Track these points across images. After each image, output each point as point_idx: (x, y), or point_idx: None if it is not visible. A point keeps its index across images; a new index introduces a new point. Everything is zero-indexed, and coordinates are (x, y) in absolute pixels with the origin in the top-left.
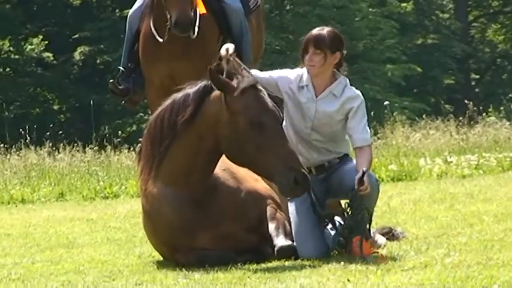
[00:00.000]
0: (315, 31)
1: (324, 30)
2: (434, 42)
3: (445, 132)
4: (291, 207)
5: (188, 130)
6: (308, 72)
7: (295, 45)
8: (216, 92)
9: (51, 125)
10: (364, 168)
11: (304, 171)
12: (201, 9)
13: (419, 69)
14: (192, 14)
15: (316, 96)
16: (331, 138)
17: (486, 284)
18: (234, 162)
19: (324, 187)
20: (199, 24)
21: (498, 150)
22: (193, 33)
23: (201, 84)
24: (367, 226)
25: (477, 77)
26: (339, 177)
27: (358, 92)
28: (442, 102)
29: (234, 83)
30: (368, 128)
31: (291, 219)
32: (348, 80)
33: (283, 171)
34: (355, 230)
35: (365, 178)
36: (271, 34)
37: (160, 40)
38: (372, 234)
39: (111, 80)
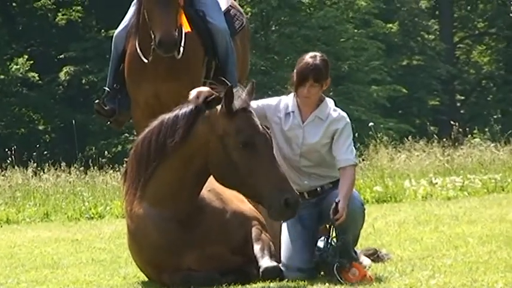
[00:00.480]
0: (311, 62)
1: (317, 59)
2: (420, 64)
3: (430, 153)
4: (284, 225)
5: (178, 151)
6: (297, 101)
7: (281, 65)
8: (207, 113)
9: (37, 145)
10: (337, 199)
11: (295, 193)
12: (186, 27)
13: (404, 90)
14: (177, 34)
15: (303, 122)
16: (319, 163)
17: None
18: (222, 185)
19: (316, 211)
20: (184, 44)
21: (483, 171)
22: (178, 53)
23: (191, 105)
24: (351, 250)
25: (462, 98)
26: (330, 202)
27: (343, 113)
28: (428, 123)
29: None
30: (353, 149)
31: (282, 237)
32: (332, 101)
33: (274, 193)
34: (338, 254)
35: (340, 207)
36: (257, 55)
37: (146, 60)
38: (357, 256)
39: (96, 101)
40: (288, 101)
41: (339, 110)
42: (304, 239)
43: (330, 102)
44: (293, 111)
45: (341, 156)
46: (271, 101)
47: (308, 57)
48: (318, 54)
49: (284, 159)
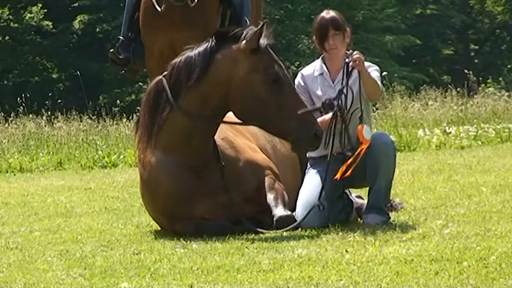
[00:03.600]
0: (325, 15)
1: (330, 12)
2: (433, 13)
3: (444, 103)
4: (309, 175)
5: (193, 92)
6: (325, 62)
7: (295, 14)
8: (224, 52)
9: (50, 94)
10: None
11: (319, 126)
12: None
13: (418, 41)
14: None
15: (333, 82)
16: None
17: (484, 255)
18: (244, 121)
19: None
20: None
21: (497, 121)
22: (192, 1)
23: (206, 45)
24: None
25: (476, 47)
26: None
27: (370, 63)
28: (441, 72)
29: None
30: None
31: (303, 186)
32: None
33: (303, 126)
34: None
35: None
36: (271, 4)
37: (159, 9)
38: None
39: (111, 50)
40: (313, 66)
41: (366, 62)
42: (325, 196)
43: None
44: (321, 74)
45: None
46: (297, 79)
47: (321, 14)
48: (329, 10)
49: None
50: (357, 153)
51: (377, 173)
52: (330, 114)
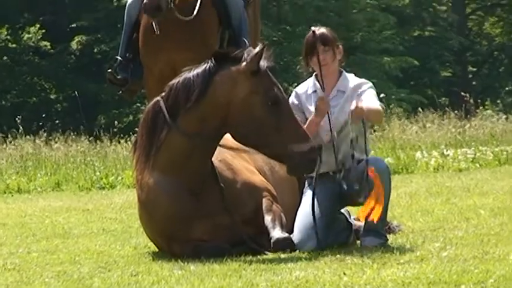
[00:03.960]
0: (314, 30)
1: (319, 28)
2: (432, 35)
3: (442, 125)
4: (304, 199)
5: (191, 114)
6: (317, 75)
7: (293, 36)
8: (224, 74)
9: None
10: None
11: (317, 149)
12: None
13: (416, 62)
14: None
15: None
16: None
17: (482, 278)
18: (242, 143)
19: (337, 189)
20: (199, 12)
21: (495, 143)
22: (188, 15)
23: (204, 66)
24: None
25: (474, 69)
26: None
27: (364, 79)
28: (439, 95)
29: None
30: (375, 96)
31: (300, 210)
32: (352, 75)
33: (302, 150)
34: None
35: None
36: (269, 25)
37: (157, 32)
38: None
39: (109, 70)
40: (306, 84)
41: (356, 78)
42: (322, 216)
43: (349, 75)
44: (315, 91)
45: (365, 102)
46: (291, 97)
47: (314, 30)
48: (319, 27)
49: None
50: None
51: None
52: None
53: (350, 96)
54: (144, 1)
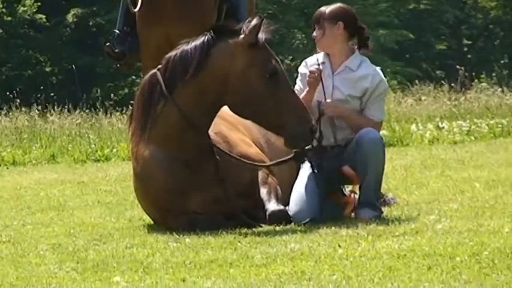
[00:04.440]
0: (320, 9)
1: (329, 6)
2: (427, 8)
3: (437, 98)
4: (302, 173)
5: (188, 87)
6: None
7: (288, 9)
8: (221, 46)
9: (40, 88)
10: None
11: (314, 123)
12: None
13: (411, 35)
14: None
15: (333, 72)
16: None
17: (477, 251)
18: (240, 115)
19: (336, 164)
20: None
21: (489, 116)
22: None
23: (202, 39)
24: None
25: (469, 43)
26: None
27: (377, 70)
28: (434, 68)
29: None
30: (383, 108)
31: (296, 185)
32: (367, 59)
33: (299, 121)
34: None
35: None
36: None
37: (134, 10)
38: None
39: (106, 43)
40: (315, 56)
41: (372, 66)
42: (318, 191)
43: (363, 57)
44: (323, 62)
45: (366, 112)
46: (300, 68)
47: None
48: (337, 4)
49: (313, 109)
50: (351, 192)
51: (366, 170)
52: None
53: (357, 83)
54: None
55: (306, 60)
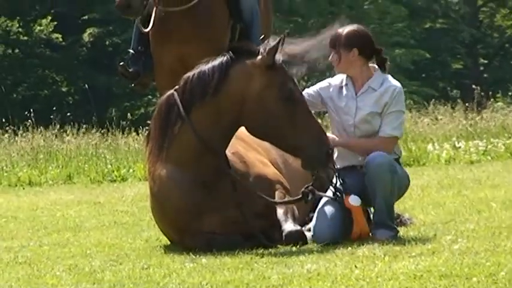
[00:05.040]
0: (337, 31)
1: (345, 29)
2: (443, 27)
3: (453, 117)
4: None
5: (206, 108)
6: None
7: (304, 28)
8: (239, 68)
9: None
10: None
11: (332, 146)
12: None
13: (427, 55)
14: None
15: (356, 94)
16: (372, 134)
17: (493, 271)
18: (259, 137)
19: (361, 183)
20: (208, 5)
21: (506, 135)
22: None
23: (221, 59)
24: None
25: (485, 62)
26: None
27: (396, 83)
28: (450, 87)
29: (276, 57)
30: (398, 122)
31: (321, 202)
32: (388, 76)
33: (316, 144)
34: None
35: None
36: (280, 18)
37: (144, 30)
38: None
39: (121, 63)
40: (340, 76)
41: (392, 80)
42: (342, 213)
43: (385, 75)
44: (346, 84)
45: (383, 127)
46: (322, 83)
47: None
48: (352, 25)
49: (339, 132)
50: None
51: (375, 194)
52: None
53: (378, 100)
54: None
55: (330, 80)
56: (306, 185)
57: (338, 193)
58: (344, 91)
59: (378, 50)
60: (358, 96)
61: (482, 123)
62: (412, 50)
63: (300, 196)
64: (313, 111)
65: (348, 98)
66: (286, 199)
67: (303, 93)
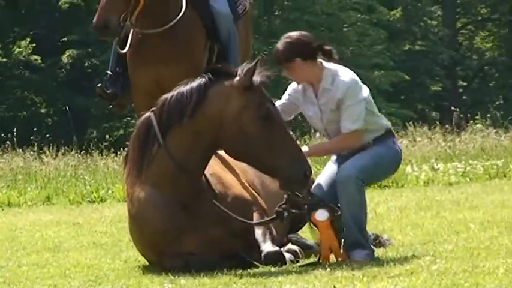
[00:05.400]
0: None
1: (280, 43)
2: (422, 49)
3: (432, 139)
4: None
5: (184, 129)
6: None
7: None
8: (217, 89)
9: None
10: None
11: (309, 166)
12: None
13: (406, 77)
14: (116, 18)
15: (316, 97)
16: None
17: None
18: (235, 158)
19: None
20: (185, 26)
21: (485, 157)
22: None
23: (199, 81)
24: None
25: (464, 84)
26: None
27: (345, 76)
28: (429, 109)
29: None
30: (355, 114)
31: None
32: (335, 66)
33: (293, 165)
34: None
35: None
36: (259, 40)
37: (121, 52)
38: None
39: (98, 85)
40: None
41: (342, 74)
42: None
43: (330, 70)
44: (307, 89)
45: (341, 124)
46: (289, 90)
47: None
48: (286, 37)
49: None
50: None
51: (343, 210)
52: None
53: (332, 100)
54: (93, 21)
55: (292, 86)
56: (279, 204)
57: (307, 210)
58: (307, 96)
59: (318, 47)
60: (318, 100)
61: (461, 145)
62: (391, 72)
63: (275, 216)
64: (291, 117)
65: (312, 105)
66: (262, 220)
67: (277, 103)
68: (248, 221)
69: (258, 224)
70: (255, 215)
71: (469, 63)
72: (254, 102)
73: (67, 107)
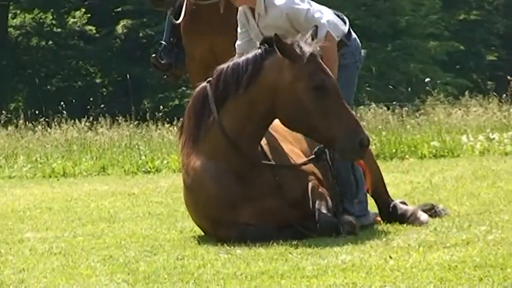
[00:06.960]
0: None
1: None
2: (477, 18)
3: (487, 109)
4: None
5: (240, 99)
6: None
7: None
8: (272, 60)
9: (93, 99)
10: None
11: (366, 135)
12: None
13: (462, 47)
14: None
15: (256, 21)
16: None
17: None
18: (292, 129)
19: None
20: None
21: None
22: None
23: (255, 52)
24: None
25: None
26: None
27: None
28: (484, 79)
29: (297, 50)
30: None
31: None
32: None
33: (349, 134)
34: None
35: None
36: None
37: (176, 22)
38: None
39: (153, 55)
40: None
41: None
42: None
43: None
44: (248, 13)
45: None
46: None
47: None
48: None
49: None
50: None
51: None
52: None
53: (275, 24)
54: None
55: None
56: (318, 147)
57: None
58: (249, 20)
59: None
60: (258, 24)
61: None
62: (446, 42)
63: (313, 156)
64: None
65: (252, 28)
66: (306, 160)
67: (239, 37)
68: (291, 164)
69: (301, 165)
70: (310, 185)
71: None
72: (306, 73)
73: (128, 75)
